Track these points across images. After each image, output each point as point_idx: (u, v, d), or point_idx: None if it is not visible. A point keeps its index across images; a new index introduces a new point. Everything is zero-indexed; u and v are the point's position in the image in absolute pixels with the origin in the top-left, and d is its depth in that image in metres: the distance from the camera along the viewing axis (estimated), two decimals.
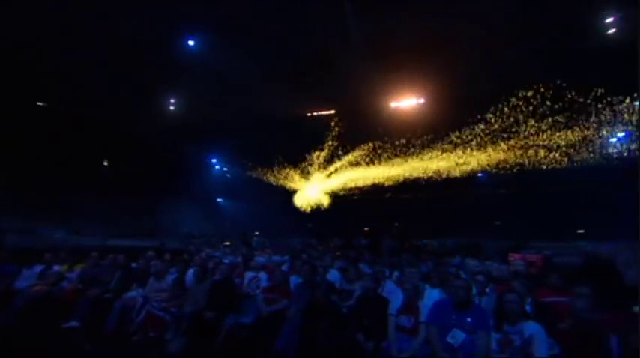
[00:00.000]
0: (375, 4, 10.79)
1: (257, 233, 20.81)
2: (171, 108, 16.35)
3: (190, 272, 5.95)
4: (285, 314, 4.73)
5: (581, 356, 3.29)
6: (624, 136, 14.81)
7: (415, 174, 17.24)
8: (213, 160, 22.34)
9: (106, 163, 19.89)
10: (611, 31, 10.65)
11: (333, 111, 16.70)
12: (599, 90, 12.41)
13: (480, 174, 20.41)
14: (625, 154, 14.52)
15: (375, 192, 20.50)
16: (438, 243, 15.00)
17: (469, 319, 3.80)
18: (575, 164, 15.58)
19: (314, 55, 14.58)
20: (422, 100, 15.17)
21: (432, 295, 4.67)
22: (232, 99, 16.06)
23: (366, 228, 19.58)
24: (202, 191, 21.26)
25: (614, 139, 14.88)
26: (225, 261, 6.61)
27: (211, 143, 19.80)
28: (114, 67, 12.67)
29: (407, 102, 15.36)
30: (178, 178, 19.43)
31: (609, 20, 10.56)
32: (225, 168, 22.93)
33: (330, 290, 4.69)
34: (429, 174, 17.15)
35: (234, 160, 21.41)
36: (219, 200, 24.21)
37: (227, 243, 16.48)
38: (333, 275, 5.93)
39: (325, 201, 21.79)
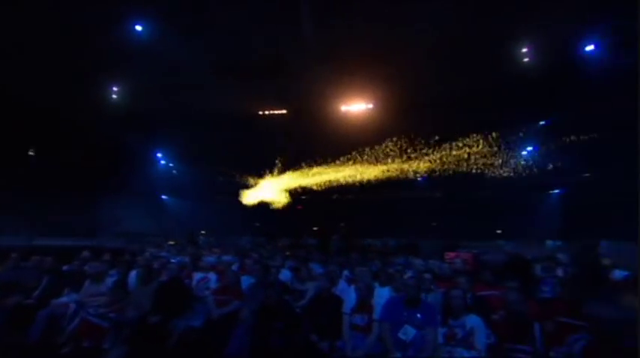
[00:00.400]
0: (331, 8, 10.85)
1: (203, 232, 19.88)
2: (114, 96, 14.95)
3: (133, 273, 5.42)
4: (237, 315, 4.50)
5: (513, 343, 3.51)
6: (532, 150, 16.69)
7: (360, 177, 17.67)
8: (159, 155, 20.95)
9: (32, 152, 17.61)
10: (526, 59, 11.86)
11: (285, 111, 16.54)
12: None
13: (419, 178, 21.60)
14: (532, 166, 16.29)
15: (323, 192, 20.70)
16: (381, 243, 15.45)
17: (419, 315, 3.89)
18: (494, 173, 17.14)
19: (267, 53, 14.34)
20: (371, 105, 15.61)
21: (381, 293, 4.74)
22: (181, 92, 15.18)
23: (315, 228, 19.60)
24: (146, 187, 19.77)
25: (524, 152, 16.70)
26: (173, 261, 6.11)
27: (157, 137, 18.52)
28: (49, 50, 11.29)
29: (357, 106, 15.70)
30: (119, 172, 17.83)
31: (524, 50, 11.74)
32: (171, 164, 21.68)
33: (283, 290, 4.54)
34: (374, 177, 17.66)
35: (181, 156, 20.34)
36: (163, 197, 22.82)
37: (172, 243, 15.56)
38: (285, 275, 5.78)
39: (276, 200, 21.56)
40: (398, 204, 21.65)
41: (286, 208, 22.74)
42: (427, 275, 5.07)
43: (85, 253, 6.45)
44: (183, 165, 20.96)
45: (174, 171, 21.88)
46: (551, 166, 14.47)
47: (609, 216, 11.63)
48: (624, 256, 6.84)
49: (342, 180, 18.28)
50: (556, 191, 17.28)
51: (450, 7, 10.26)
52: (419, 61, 12.87)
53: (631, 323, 2.19)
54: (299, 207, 23.23)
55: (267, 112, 16.53)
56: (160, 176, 21.07)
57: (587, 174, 14.75)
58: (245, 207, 22.31)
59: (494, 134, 14.86)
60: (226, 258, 6.00)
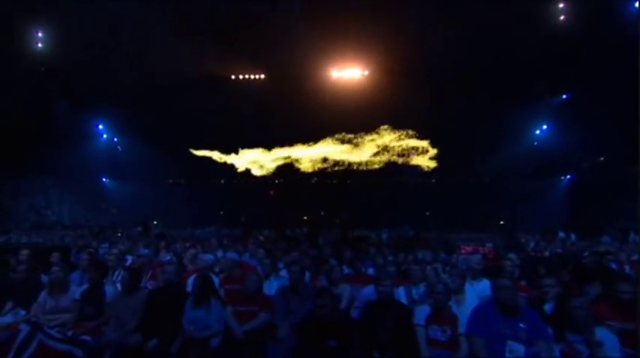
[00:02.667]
0: None
1: (155, 222, 18.64)
2: (39, 45, 13.07)
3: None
4: (268, 332, 3.81)
5: None
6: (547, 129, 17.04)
7: (346, 157, 17.17)
8: (100, 127, 19.21)
9: None
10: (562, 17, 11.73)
11: (262, 76, 15.55)
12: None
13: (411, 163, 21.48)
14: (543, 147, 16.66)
15: (303, 175, 20.01)
16: (376, 235, 15.12)
17: (522, 325, 3.39)
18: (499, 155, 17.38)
19: (239, 7, 13.26)
20: (366, 72, 15.04)
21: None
22: (130, 48, 13.69)
23: (291, 217, 18.96)
24: (81, 166, 17.98)
25: (537, 132, 17.07)
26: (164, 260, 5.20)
27: (98, 104, 16.76)
28: None
29: (350, 72, 15.07)
30: (43, 146, 15.90)
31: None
32: (115, 139, 20.04)
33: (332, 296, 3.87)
34: (363, 159, 17.21)
35: (128, 129, 18.75)
36: (104, 179, 21.07)
37: (120, 234, 14.29)
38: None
39: (246, 184, 20.61)
40: (387, 190, 21.48)
41: (258, 194, 22.06)
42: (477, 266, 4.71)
43: (24, 252, 5.36)
44: (131, 140, 19.33)
45: (118, 148, 20.28)
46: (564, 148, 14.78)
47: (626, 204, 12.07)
48: None
49: (324, 162, 17.73)
50: (567, 176, 17.77)
51: None
52: (428, 15, 12.41)
53: None
54: (272, 192, 22.54)
55: (240, 77, 15.38)
56: (100, 153, 19.42)
57: (602, 158, 15.20)
58: (208, 193, 21.40)
59: (504, 108, 14.93)
60: (231, 254, 5.18)
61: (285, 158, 17.18)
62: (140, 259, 5.18)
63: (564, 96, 14.51)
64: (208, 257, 5.20)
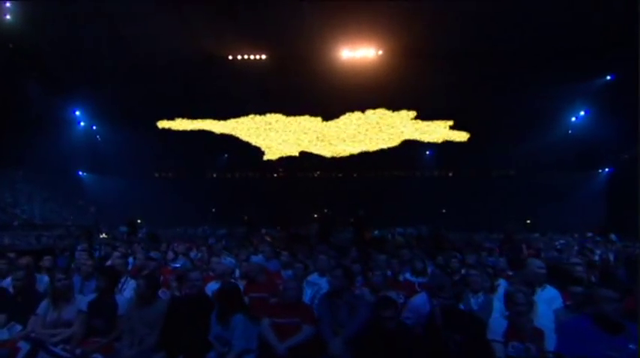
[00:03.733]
0: None
1: (139, 221, 18.38)
2: (7, 17, 12.65)
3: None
4: (315, 348, 3.58)
5: None
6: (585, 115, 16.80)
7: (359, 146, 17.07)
8: (77, 114, 18.79)
9: None
10: None
11: (263, 57, 15.25)
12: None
13: (427, 152, 21.41)
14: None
15: (305, 168, 19.91)
16: (391, 235, 14.95)
17: (631, 346, 3.16)
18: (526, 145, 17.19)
19: None
20: (381, 51, 14.79)
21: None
22: (114, 25, 13.32)
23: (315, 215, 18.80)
24: (54, 158, 17.64)
25: (573, 119, 16.88)
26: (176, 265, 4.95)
27: (76, 87, 16.41)
28: None
29: (363, 51, 14.83)
30: (12, 135, 15.59)
31: None
32: (94, 127, 19.78)
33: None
34: (378, 146, 17.12)
35: (109, 116, 18.43)
36: (81, 173, 20.72)
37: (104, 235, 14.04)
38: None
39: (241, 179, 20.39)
40: (397, 184, 21.35)
41: (256, 189, 21.86)
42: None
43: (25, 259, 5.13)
44: (113, 128, 19.07)
45: (97, 137, 20.01)
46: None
47: None
48: None
49: (331, 153, 17.64)
50: (605, 169, 17.57)
51: None
52: None
53: None
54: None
55: (239, 57, 15.06)
56: (76, 143, 18.99)
57: None
58: (198, 188, 21.17)
59: (535, 91, 14.71)
60: (256, 258, 4.93)
61: (288, 148, 17.09)
62: (150, 264, 4.91)
63: (608, 78, 14.25)
64: (229, 261, 4.94)
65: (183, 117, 17.54)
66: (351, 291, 4.12)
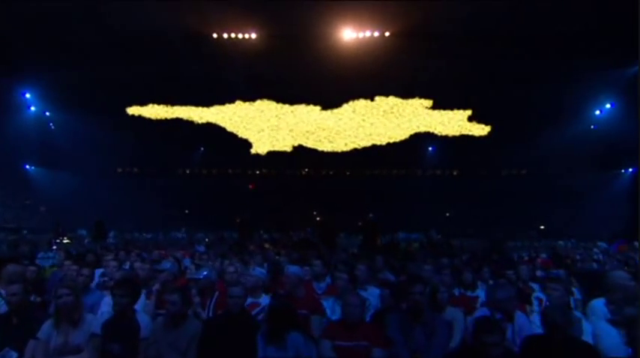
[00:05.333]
0: None
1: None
2: None
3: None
4: None
5: None
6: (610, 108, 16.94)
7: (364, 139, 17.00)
8: (27, 96, 18.15)
9: None
10: None
11: (254, 36, 14.91)
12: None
13: (430, 148, 21.51)
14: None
15: (296, 163, 19.73)
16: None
17: None
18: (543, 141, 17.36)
19: None
20: (388, 33, 14.67)
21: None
22: None
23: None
24: None
25: (597, 112, 17.08)
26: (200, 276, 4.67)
27: (27, 66, 15.82)
28: None
29: (367, 33, 14.66)
30: None
31: None
32: (47, 113, 19.10)
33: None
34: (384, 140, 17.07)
35: (66, 100, 17.75)
36: (28, 167, 20.11)
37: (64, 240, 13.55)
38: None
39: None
40: (396, 184, 21.39)
41: (238, 188, 21.56)
42: None
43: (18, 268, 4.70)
44: (70, 115, 18.39)
45: (51, 125, 19.38)
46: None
47: None
48: None
49: (331, 147, 17.50)
50: (630, 169, 17.81)
51: None
52: None
53: None
54: (251, 186, 22.19)
55: (225, 36, 14.70)
56: (25, 131, 18.24)
57: None
58: (169, 186, 20.71)
59: (555, 80, 14.81)
60: (293, 268, 4.67)
61: (281, 140, 16.85)
62: (165, 276, 4.60)
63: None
64: (259, 271, 4.71)
65: (156, 103, 17.00)
66: (429, 310, 3.92)
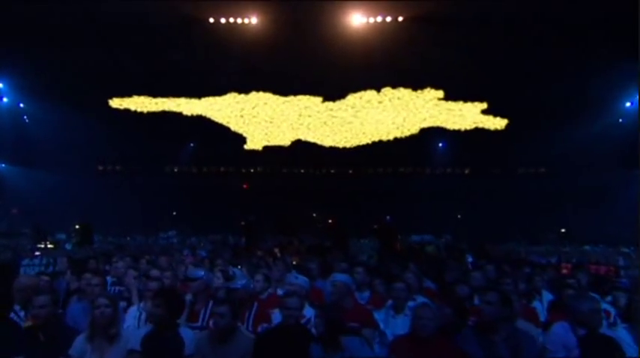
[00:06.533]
0: None
1: (77, 226, 17.93)
2: None
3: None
4: None
5: None
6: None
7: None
8: None
9: None
10: None
11: (254, 20, 14.85)
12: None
13: (440, 144, 21.57)
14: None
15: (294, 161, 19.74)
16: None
17: None
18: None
19: None
20: (401, 18, 14.70)
21: None
22: None
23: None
24: None
25: (628, 104, 17.07)
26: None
27: None
28: None
29: (379, 17, 14.65)
30: None
31: None
32: (21, 105, 19.05)
33: None
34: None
35: (44, 91, 17.57)
36: None
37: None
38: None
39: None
40: (403, 183, 21.43)
41: (232, 187, 21.50)
42: None
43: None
44: (46, 107, 18.25)
45: (25, 118, 19.33)
46: None
47: None
48: None
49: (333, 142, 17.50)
50: None
51: None
52: None
53: None
54: (245, 186, 22.17)
55: (223, 20, 14.60)
56: None
57: None
58: (155, 185, 20.62)
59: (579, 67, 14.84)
60: (340, 276, 4.64)
61: (281, 136, 16.80)
62: (198, 285, 4.53)
63: None
64: (302, 280, 4.71)
65: (142, 94, 16.86)
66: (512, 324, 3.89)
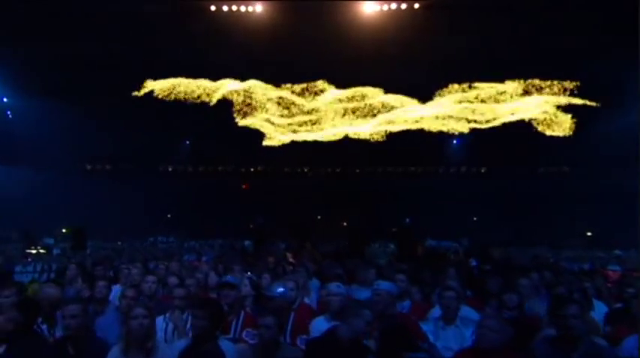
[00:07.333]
0: None
1: (64, 230, 18.33)
2: None
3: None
4: None
5: None
6: None
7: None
8: None
9: None
10: None
11: (258, 8, 14.77)
12: None
13: (455, 141, 21.46)
14: None
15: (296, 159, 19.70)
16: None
17: None
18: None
19: None
20: (417, 5, 14.63)
21: None
22: None
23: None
24: None
25: None
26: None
27: None
28: None
29: (393, 4, 14.60)
30: None
31: None
32: (5, 99, 19.12)
33: None
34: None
35: (28, 85, 17.53)
36: None
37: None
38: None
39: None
40: (413, 183, 21.39)
41: (230, 186, 21.45)
42: None
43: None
44: (32, 101, 18.32)
45: (8, 114, 19.34)
46: None
47: None
48: None
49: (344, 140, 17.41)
50: None
51: None
52: None
53: None
54: (244, 186, 22.12)
55: (225, 8, 14.51)
56: None
57: None
58: (148, 185, 20.50)
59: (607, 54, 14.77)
60: (384, 284, 4.55)
61: (289, 133, 16.67)
62: (233, 294, 4.44)
63: None
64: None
65: (135, 89, 16.71)
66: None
